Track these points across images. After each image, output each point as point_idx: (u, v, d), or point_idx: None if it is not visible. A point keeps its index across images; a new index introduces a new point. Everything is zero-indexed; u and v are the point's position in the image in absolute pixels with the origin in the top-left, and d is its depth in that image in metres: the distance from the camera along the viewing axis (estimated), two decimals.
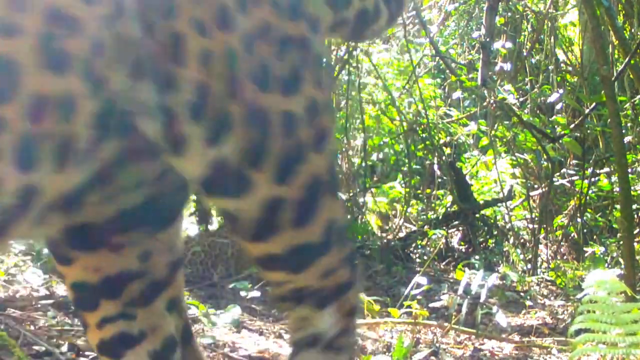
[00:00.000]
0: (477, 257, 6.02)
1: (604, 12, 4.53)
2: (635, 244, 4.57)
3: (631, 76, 6.58)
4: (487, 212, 6.99)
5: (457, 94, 8.55)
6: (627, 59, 4.44)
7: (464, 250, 6.82)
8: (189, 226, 6.82)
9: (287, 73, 1.42)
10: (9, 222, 1.29)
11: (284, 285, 1.57)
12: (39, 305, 3.53)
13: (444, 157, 7.35)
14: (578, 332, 2.81)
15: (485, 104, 6.90)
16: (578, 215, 6.46)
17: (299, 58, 1.44)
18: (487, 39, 7.24)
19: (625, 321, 2.71)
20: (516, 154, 7.04)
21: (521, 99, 7.96)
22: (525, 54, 9.05)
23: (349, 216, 6.93)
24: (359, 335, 3.68)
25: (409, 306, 3.85)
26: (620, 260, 5.36)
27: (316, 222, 1.50)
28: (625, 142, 4.87)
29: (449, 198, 7.32)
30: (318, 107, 1.48)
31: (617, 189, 5.03)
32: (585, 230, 6.56)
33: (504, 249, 6.40)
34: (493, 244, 6.65)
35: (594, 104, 6.05)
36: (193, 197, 7.31)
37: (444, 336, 3.82)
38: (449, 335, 3.85)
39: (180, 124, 1.33)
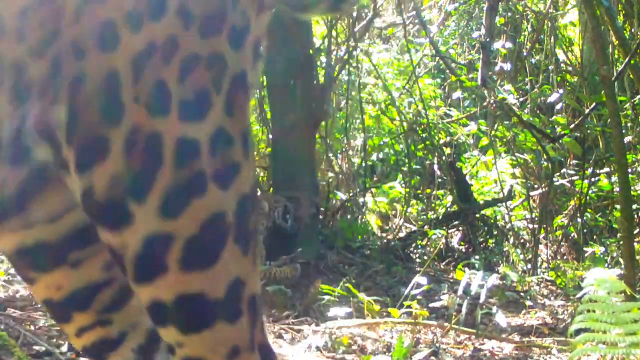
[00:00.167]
0: (477, 257, 6.02)
1: (604, 12, 4.53)
2: (635, 244, 4.57)
3: (631, 76, 6.58)
4: (487, 212, 6.99)
5: (457, 94, 8.55)
6: (627, 59, 4.44)
7: (464, 250, 6.82)
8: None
9: (190, 97, 1.25)
10: None
11: (177, 352, 1.33)
12: (39, 305, 3.53)
13: (444, 157, 7.35)
14: (578, 332, 2.81)
15: (485, 104, 6.90)
16: (578, 215, 6.46)
17: (207, 80, 1.27)
18: (487, 39, 7.24)
19: (625, 321, 2.71)
20: (516, 154, 7.04)
21: (521, 99, 7.96)
22: (525, 54, 9.05)
23: (349, 216, 6.95)
24: (359, 335, 3.68)
25: (409, 306, 3.85)
26: (620, 260, 5.36)
27: (215, 271, 1.28)
28: (625, 142, 4.87)
29: (449, 198, 7.32)
30: (228, 137, 1.29)
31: (617, 189, 5.03)
32: (585, 230, 6.56)
33: (504, 249, 6.40)
34: (493, 244, 6.65)
35: (594, 104, 6.05)
36: None
37: (444, 336, 3.82)
38: (449, 335, 3.85)
39: (62, 147, 1.24)
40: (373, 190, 7.79)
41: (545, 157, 6.68)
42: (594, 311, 2.79)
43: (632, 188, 5.87)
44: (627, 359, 2.72)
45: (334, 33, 6.84)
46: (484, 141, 7.19)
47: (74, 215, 1.46)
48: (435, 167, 7.57)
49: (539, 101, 8.22)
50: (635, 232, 5.19)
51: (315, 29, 7.97)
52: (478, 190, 7.40)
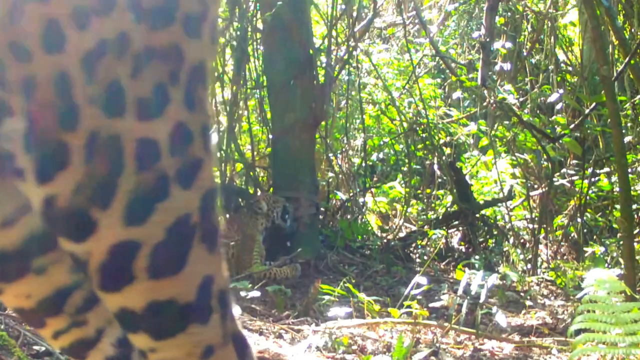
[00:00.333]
0: (477, 257, 6.02)
1: (604, 12, 4.53)
2: (635, 244, 4.57)
3: (631, 76, 6.58)
4: (487, 212, 6.99)
5: (457, 94, 8.55)
6: (627, 59, 4.44)
7: (464, 250, 6.83)
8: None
9: (147, 93, 1.18)
10: None
11: (150, 357, 1.30)
12: None
13: (444, 157, 7.35)
14: (578, 332, 2.81)
15: (485, 104, 6.89)
16: (578, 215, 6.46)
17: (164, 74, 1.20)
18: (487, 39, 7.24)
19: (625, 321, 2.71)
20: (516, 154, 7.04)
21: (521, 99, 7.96)
22: (525, 54, 9.05)
23: (349, 216, 6.95)
24: (359, 335, 3.68)
25: (409, 306, 3.85)
26: (620, 260, 5.36)
27: (184, 275, 1.24)
28: (625, 142, 4.87)
29: (449, 198, 7.32)
30: (188, 132, 1.23)
31: (617, 189, 5.03)
32: (585, 230, 6.56)
33: (504, 249, 6.40)
34: (493, 244, 6.65)
35: (594, 104, 6.04)
36: None
37: (444, 336, 3.82)
38: (449, 335, 3.85)
39: (18, 154, 1.17)
40: (373, 190, 7.80)
41: (545, 157, 6.68)
42: (594, 311, 2.79)
43: (632, 188, 5.88)
44: (627, 359, 2.72)
45: (334, 33, 6.84)
46: (484, 141, 7.19)
47: (30, 219, 1.41)
48: (435, 167, 7.57)
49: (539, 101, 8.23)
50: (635, 232, 5.19)
51: (315, 29, 7.97)
52: (478, 190, 7.40)
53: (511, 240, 6.64)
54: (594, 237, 6.64)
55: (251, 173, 6.73)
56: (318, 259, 5.92)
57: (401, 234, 7.01)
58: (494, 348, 3.72)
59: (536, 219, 6.62)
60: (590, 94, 7.36)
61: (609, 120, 4.87)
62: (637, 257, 4.19)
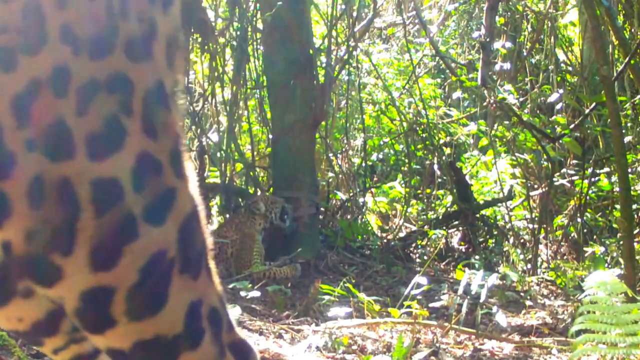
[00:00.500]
0: (477, 257, 6.02)
1: (604, 12, 4.53)
2: (635, 244, 4.57)
3: (631, 76, 6.58)
4: (487, 212, 6.99)
5: (457, 94, 8.56)
6: (627, 59, 4.44)
7: (464, 250, 6.82)
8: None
9: (97, 129, 1.08)
10: None
11: None
12: None
13: (444, 157, 7.35)
14: (578, 333, 2.81)
15: (485, 104, 6.89)
16: (578, 215, 6.46)
17: (114, 105, 1.10)
18: (487, 39, 7.24)
19: (626, 322, 2.71)
20: (516, 154, 7.04)
21: (521, 99, 7.96)
22: (525, 54, 9.06)
23: (349, 216, 6.95)
24: (359, 335, 3.68)
25: (409, 306, 3.85)
26: (620, 260, 5.36)
27: (167, 311, 1.17)
28: (625, 142, 4.86)
29: (449, 198, 7.32)
30: (155, 163, 1.14)
31: (617, 189, 5.03)
32: (585, 230, 6.56)
33: (504, 249, 6.39)
34: (493, 244, 6.65)
35: (594, 104, 6.04)
36: None
37: (444, 336, 3.81)
38: (449, 335, 3.85)
39: None
40: (373, 190, 7.80)
41: (545, 157, 6.68)
42: (594, 312, 2.79)
43: (632, 188, 5.88)
44: (627, 359, 2.72)
45: (334, 33, 6.84)
46: (484, 141, 7.19)
47: None
48: (435, 167, 7.57)
49: (539, 101, 8.23)
50: (635, 232, 5.19)
51: (315, 29, 7.97)
52: (478, 190, 7.40)
53: (511, 240, 6.64)
54: (594, 237, 6.64)
55: (251, 173, 6.73)
56: (318, 259, 5.91)
57: (401, 234, 7.01)
58: (494, 348, 3.72)
59: (536, 219, 6.62)
60: (590, 94, 7.36)
61: (609, 120, 4.87)
62: (637, 257, 4.19)
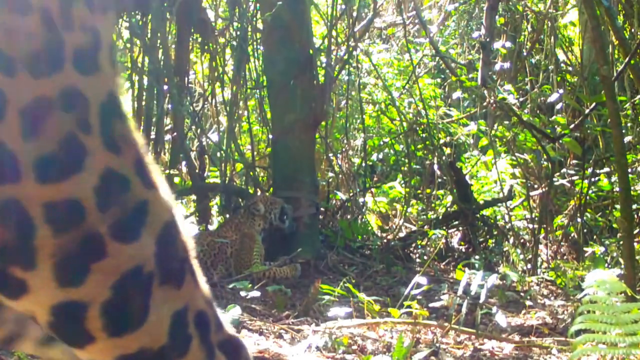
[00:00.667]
0: (477, 257, 6.01)
1: (604, 12, 4.53)
2: (635, 244, 4.57)
3: (631, 76, 6.58)
4: (487, 212, 6.99)
5: (457, 94, 8.56)
6: (627, 59, 4.44)
7: (464, 250, 6.82)
8: (188, 226, 6.83)
9: (51, 152, 1.03)
10: None
11: None
12: None
13: (444, 157, 7.35)
14: (578, 333, 2.81)
15: (485, 104, 6.90)
16: (578, 215, 6.46)
17: (70, 124, 1.05)
18: (487, 39, 7.24)
19: (625, 321, 2.71)
20: (516, 154, 7.04)
21: (521, 99, 7.96)
22: (525, 54, 9.06)
23: (349, 216, 6.95)
24: (359, 335, 3.68)
25: (409, 306, 3.85)
26: (620, 260, 5.36)
27: (149, 324, 1.15)
28: (625, 142, 4.86)
29: (449, 198, 7.32)
30: (121, 178, 1.10)
31: (617, 189, 5.03)
32: (585, 230, 6.56)
33: (504, 249, 6.39)
34: (493, 244, 6.65)
35: (594, 104, 6.04)
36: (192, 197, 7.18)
37: (444, 336, 3.82)
38: (449, 335, 3.85)
39: None
40: (373, 190, 7.80)
41: (545, 157, 6.68)
42: (594, 312, 2.79)
43: (632, 188, 5.88)
44: (627, 359, 2.72)
45: (334, 33, 6.84)
46: (484, 141, 7.19)
47: None
48: (435, 167, 7.57)
49: (539, 101, 8.23)
50: (635, 232, 5.19)
51: (315, 29, 7.97)
52: (478, 190, 7.40)
53: (511, 240, 6.64)
54: (594, 237, 6.64)
55: (251, 173, 6.73)
56: (318, 259, 5.92)
57: (401, 234, 7.01)
58: (494, 348, 3.72)
59: (536, 219, 6.62)
60: (590, 94, 7.36)
61: (609, 120, 4.87)
62: (637, 257, 4.19)
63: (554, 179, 6.69)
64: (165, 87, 6.39)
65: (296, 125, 6.14)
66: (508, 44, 7.98)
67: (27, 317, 1.16)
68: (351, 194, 7.10)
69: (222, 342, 1.32)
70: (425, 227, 6.80)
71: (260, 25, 6.70)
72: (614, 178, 6.63)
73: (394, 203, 8.16)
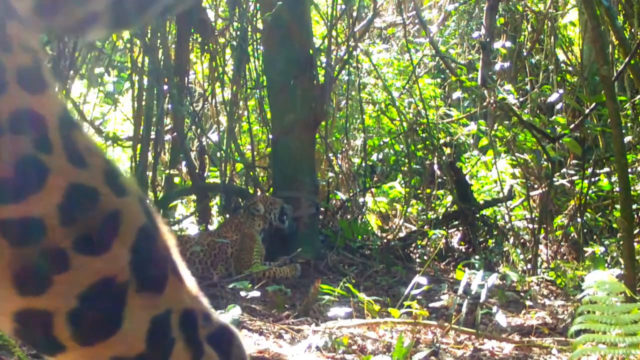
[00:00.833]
0: (477, 257, 6.01)
1: (604, 12, 4.53)
2: (635, 244, 4.57)
3: (631, 76, 6.58)
4: (487, 212, 6.99)
5: (457, 94, 8.55)
6: (627, 59, 4.44)
7: (464, 250, 6.82)
8: (188, 226, 6.83)
9: (7, 175, 1.02)
10: None
11: None
12: None
13: (444, 157, 7.35)
14: (578, 333, 2.81)
15: (485, 104, 6.90)
16: (578, 215, 6.46)
17: (27, 145, 1.03)
18: (487, 39, 7.24)
19: (625, 321, 2.71)
20: (516, 154, 7.04)
21: (521, 99, 7.96)
22: (525, 54, 9.06)
23: (349, 216, 6.95)
24: (359, 335, 3.68)
25: (409, 306, 3.85)
26: (620, 260, 5.36)
27: (123, 334, 1.11)
28: (625, 142, 4.86)
29: (449, 198, 7.32)
30: (88, 191, 1.08)
31: (617, 189, 5.03)
32: (585, 230, 6.56)
33: (504, 249, 6.39)
34: (493, 244, 6.65)
35: (594, 104, 6.05)
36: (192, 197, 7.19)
37: (444, 336, 3.82)
38: (449, 335, 3.85)
39: None
40: (373, 190, 7.80)
41: (545, 157, 6.68)
42: (594, 312, 2.79)
43: (632, 188, 5.88)
44: (627, 359, 2.72)
45: (334, 33, 6.84)
46: (484, 141, 7.19)
47: None
48: (435, 167, 7.57)
49: (539, 101, 8.23)
50: (635, 232, 5.19)
51: (315, 29, 7.97)
52: (478, 190, 7.40)
53: (511, 240, 6.64)
54: (594, 237, 6.64)
55: (251, 173, 6.73)
56: (318, 259, 5.92)
57: (401, 234, 7.00)
58: (494, 348, 3.72)
59: (536, 219, 6.62)
60: (590, 94, 7.36)
61: (609, 120, 4.87)
62: (637, 257, 4.19)
63: (554, 179, 6.69)
64: (165, 87, 6.39)
65: (296, 125, 6.14)
66: (508, 44, 7.98)
67: None
68: (351, 194, 7.09)
69: (212, 335, 1.29)
70: (425, 227, 6.80)
71: (260, 25, 6.70)
72: (614, 178, 6.63)
73: (394, 203, 8.16)
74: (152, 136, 6.63)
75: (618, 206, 6.09)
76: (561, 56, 9.00)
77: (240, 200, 6.45)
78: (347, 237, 6.52)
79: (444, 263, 6.46)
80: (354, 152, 8.36)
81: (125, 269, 1.12)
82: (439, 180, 7.86)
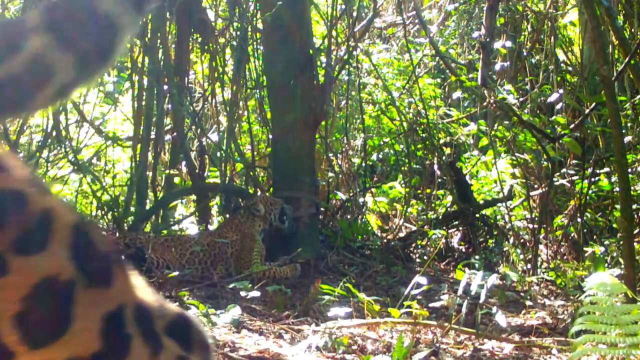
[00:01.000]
0: (477, 257, 6.01)
1: (604, 12, 4.53)
2: (635, 244, 4.57)
3: (631, 76, 6.58)
4: (487, 212, 6.99)
5: (457, 94, 8.55)
6: (627, 59, 4.44)
7: (464, 250, 6.82)
8: (188, 226, 6.83)
9: None
10: None
11: None
12: None
13: (444, 157, 7.35)
14: (578, 333, 2.81)
15: (485, 104, 6.89)
16: (578, 215, 6.46)
17: None
18: (487, 39, 7.24)
19: (626, 322, 2.71)
20: (516, 154, 7.04)
21: (521, 99, 7.96)
22: (525, 54, 9.05)
23: (349, 216, 6.95)
24: (359, 335, 3.68)
25: (409, 306, 3.85)
26: (620, 260, 5.36)
27: (75, 333, 1.11)
28: (625, 142, 4.86)
29: (449, 198, 7.32)
30: (13, 195, 1.10)
31: (617, 189, 5.03)
32: (585, 230, 6.56)
33: (504, 249, 6.39)
34: (493, 244, 6.65)
35: (594, 104, 6.04)
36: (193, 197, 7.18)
37: (444, 336, 3.82)
38: (449, 335, 3.85)
39: None
40: (373, 190, 7.80)
41: (545, 157, 6.68)
42: (594, 312, 2.79)
43: (632, 188, 5.88)
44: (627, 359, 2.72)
45: (334, 33, 6.84)
46: (484, 141, 7.19)
47: None
48: (435, 167, 7.57)
49: (539, 101, 8.23)
50: (635, 232, 5.19)
51: (315, 29, 7.97)
52: (478, 190, 7.40)
53: (511, 240, 6.64)
54: (594, 237, 6.64)
55: (251, 173, 6.73)
56: (318, 259, 5.91)
57: (401, 234, 7.00)
58: (494, 348, 3.72)
59: (536, 219, 6.62)
60: (590, 94, 7.35)
61: (609, 120, 4.87)
62: (637, 257, 4.19)
63: (554, 179, 6.69)
64: (165, 87, 6.39)
65: (296, 125, 6.13)
66: (508, 44, 7.98)
67: None
68: (351, 194, 7.09)
69: (169, 326, 1.27)
70: (425, 227, 6.79)
71: (260, 25, 6.70)
72: (614, 178, 6.63)
73: (394, 203, 8.16)
74: (152, 136, 6.63)
75: (618, 206, 6.09)
76: (561, 56, 9.00)
77: (240, 200, 6.44)
78: (347, 237, 6.52)
79: (444, 263, 6.45)
80: (354, 152, 8.35)
81: (67, 266, 1.12)
82: (439, 180, 7.86)
